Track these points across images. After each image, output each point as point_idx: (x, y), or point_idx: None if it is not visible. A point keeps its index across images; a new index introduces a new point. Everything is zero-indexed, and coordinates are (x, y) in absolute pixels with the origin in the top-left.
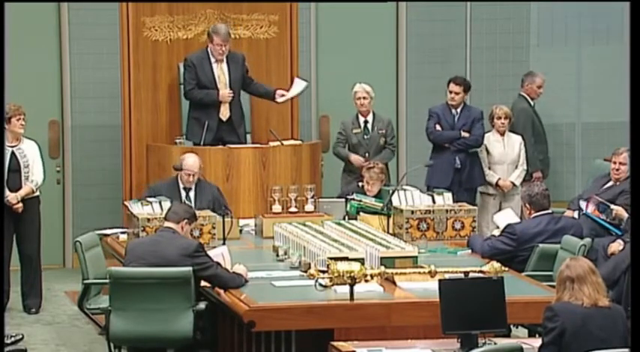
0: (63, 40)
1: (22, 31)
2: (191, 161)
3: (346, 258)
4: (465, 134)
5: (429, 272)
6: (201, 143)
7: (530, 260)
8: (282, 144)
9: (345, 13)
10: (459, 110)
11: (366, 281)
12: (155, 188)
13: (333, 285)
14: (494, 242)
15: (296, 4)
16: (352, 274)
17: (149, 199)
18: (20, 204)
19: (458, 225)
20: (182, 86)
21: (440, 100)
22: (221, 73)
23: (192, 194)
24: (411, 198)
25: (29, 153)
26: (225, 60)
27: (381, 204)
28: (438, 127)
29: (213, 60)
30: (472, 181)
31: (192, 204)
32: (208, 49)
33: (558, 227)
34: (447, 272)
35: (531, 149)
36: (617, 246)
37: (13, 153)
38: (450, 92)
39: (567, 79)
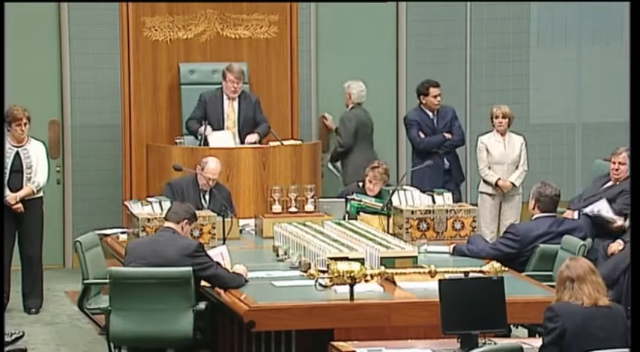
0: (63, 40)
1: (22, 31)
2: (212, 166)
3: (346, 258)
4: (447, 135)
5: (429, 272)
6: (201, 143)
7: (530, 260)
8: (282, 144)
9: (345, 13)
10: (435, 113)
11: (366, 281)
12: (176, 185)
13: (333, 285)
14: (497, 244)
15: (296, 4)
16: (352, 274)
17: (149, 199)
18: (20, 205)
19: (458, 225)
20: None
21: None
22: (231, 110)
23: (207, 196)
24: (411, 198)
25: (34, 154)
26: (237, 98)
27: (381, 204)
28: (421, 134)
29: (225, 97)
30: (458, 178)
31: (207, 206)
32: (222, 88)
33: (562, 229)
34: (447, 272)
35: None
36: (617, 245)
37: (17, 153)
38: (435, 96)
39: (567, 78)
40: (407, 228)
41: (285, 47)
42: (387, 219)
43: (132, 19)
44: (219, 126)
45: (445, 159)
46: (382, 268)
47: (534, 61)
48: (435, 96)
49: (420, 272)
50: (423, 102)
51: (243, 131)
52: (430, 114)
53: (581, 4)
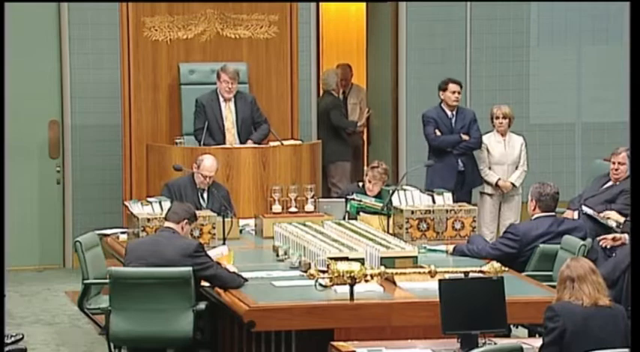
0: (63, 40)
1: (22, 31)
2: (209, 163)
3: (346, 258)
4: (465, 137)
5: (429, 272)
6: (201, 143)
7: (530, 260)
8: (282, 144)
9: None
10: (454, 112)
11: (366, 281)
12: (174, 185)
13: (333, 285)
14: (497, 244)
15: (296, 4)
16: (352, 274)
17: (149, 199)
18: None
19: (458, 225)
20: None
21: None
22: (229, 112)
23: (205, 195)
24: (411, 198)
25: None
26: (233, 99)
27: (381, 204)
28: (437, 132)
29: (221, 99)
30: (474, 182)
31: (205, 205)
32: (217, 90)
33: (561, 229)
34: (447, 272)
35: None
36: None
37: None
38: (453, 92)
39: (567, 79)
40: (407, 228)
41: (285, 47)
42: (387, 219)
43: (132, 19)
44: (218, 128)
45: (459, 161)
46: (382, 268)
47: (534, 61)
48: (453, 92)
49: (420, 272)
50: (442, 98)
51: (243, 131)
52: (449, 112)
53: (581, 4)
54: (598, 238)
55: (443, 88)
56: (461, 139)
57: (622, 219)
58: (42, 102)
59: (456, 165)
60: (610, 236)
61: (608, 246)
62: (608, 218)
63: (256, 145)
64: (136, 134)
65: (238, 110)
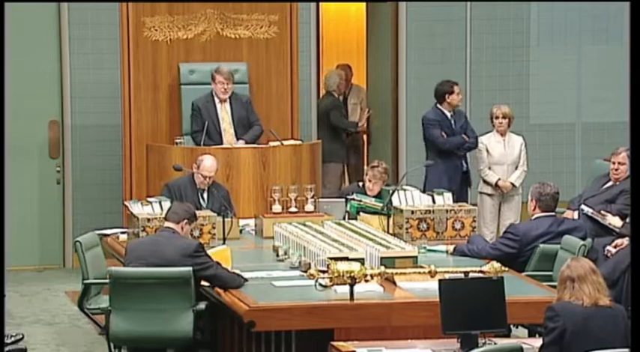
0: (63, 40)
1: (22, 31)
2: (208, 164)
3: (346, 258)
4: (465, 137)
5: (429, 272)
6: (201, 143)
7: (530, 260)
8: (282, 144)
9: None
10: (452, 113)
11: (366, 281)
12: (174, 185)
13: (333, 285)
14: (497, 244)
15: (296, 4)
16: (352, 274)
17: (149, 199)
18: None
19: (458, 225)
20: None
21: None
22: (225, 113)
23: (205, 195)
24: (411, 198)
25: None
26: (228, 100)
27: (381, 204)
28: (443, 134)
29: (217, 100)
30: (473, 181)
31: (205, 205)
32: (212, 92)
33: (561, 229)
34: (447, 272)
35: None
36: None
37: None
38: (458, 94)
39: (567, 79)
40: (407, 228)
41: (285, 47)
42: (387, 219)
43: (132, 19)
44: (215, 129)
45: (463, 162)
46: (382, 268)
47: (534, 61)
48: (458, 94)
49: (420, 272)
50: (448, 100)
51: (239, 130)
52: (448, 114)
53: (581, 4)
54: (605, 251)
55: (449, 91)
56: (464, 141)
57: (620, 224)
58: (42, 102)
59: (460, 166)
60: (611, 246)
61: (613, 253)
62: (605, 217)
63: (255, 145)
64: (136, 134)
65: (234, 110)
